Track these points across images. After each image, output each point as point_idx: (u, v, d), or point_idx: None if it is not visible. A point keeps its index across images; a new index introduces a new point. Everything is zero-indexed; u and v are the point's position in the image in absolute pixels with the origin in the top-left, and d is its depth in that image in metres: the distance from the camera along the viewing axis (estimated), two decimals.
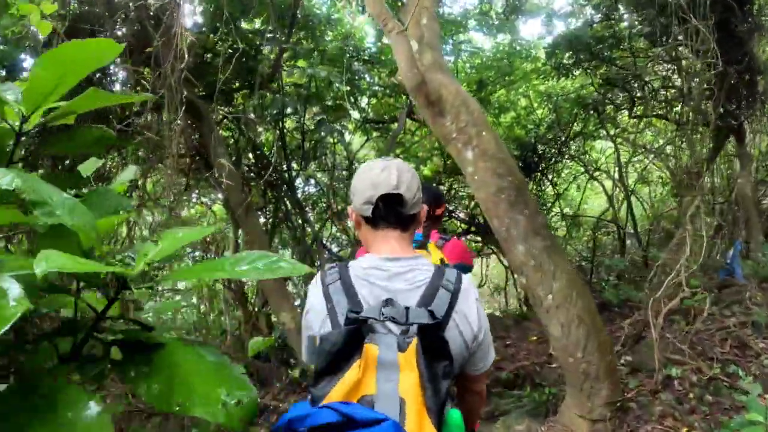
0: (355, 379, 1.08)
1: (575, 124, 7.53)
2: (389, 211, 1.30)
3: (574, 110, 7.34)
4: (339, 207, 7.37)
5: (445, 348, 1.13)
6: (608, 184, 8.47)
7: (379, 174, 1.28)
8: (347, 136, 7.25)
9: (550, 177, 8.02)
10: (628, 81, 7.04)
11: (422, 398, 1.07)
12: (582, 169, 8.57)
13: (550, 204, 8.29)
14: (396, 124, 6.62)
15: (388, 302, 1.17)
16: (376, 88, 6.82)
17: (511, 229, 2.66)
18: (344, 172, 7.39)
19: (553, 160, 7.98)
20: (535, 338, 5.05)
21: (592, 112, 7.39)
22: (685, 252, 3.96)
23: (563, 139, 7.61)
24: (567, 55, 6.79)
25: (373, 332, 1.15)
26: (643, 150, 7.90)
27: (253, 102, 5.39)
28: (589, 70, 7.01)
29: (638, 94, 6.98)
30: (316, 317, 1.26)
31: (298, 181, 8.62)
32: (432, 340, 1.12)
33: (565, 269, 2.78)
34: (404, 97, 6.94)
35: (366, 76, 5.91)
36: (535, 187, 8.40)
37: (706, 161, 6.72)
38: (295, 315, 3.84)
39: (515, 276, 7.30)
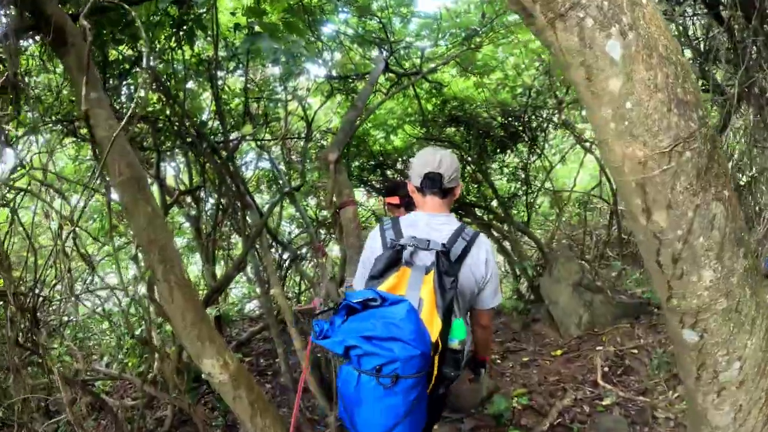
0: (393, 283, 1.61)
1: (571, 88, 6.15)
2: (432, 184, 1.78)
3: None
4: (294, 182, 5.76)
5: (453, 269, 1.64)
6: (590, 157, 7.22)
7: (428, 157, 1.81)
8: (306, 97, 5.59)
9: (538, 149, 6.64)
10: None
11: (434, 299, 1.56)
12: (569, 140, 7.28)
13: (538, 181, 6.95)
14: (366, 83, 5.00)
15: (414, 238, 1.68)
16: (344, 35, 5.17)
17: (696, 234, 1.17)
18: (300, 142, 5.78)
19: (541, 129, 6.62)
20: (560, 352, 3.69)
21: None
22: None
23: (556, 105, 6.23)
24: None
25: (411, 264, 1.65)
26: None
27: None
28: None
29: None
30: (376, 250, 1.78)
31: (251, 156, 6.91)
32: (443, 262, 1.60)
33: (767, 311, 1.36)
34: (378, 48, 5.36)
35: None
36: (519, 160, 7.06)
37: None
38: (227, 362, 2.28)
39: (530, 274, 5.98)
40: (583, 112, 7.07)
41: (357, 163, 7.12)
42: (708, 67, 5.47)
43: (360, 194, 8.47)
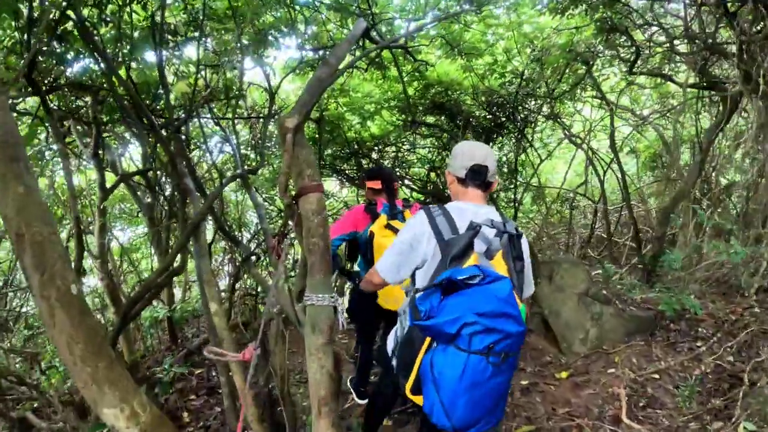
0: (473, 264, 1.48)
1: (563, 78, 5.55)
2: (477, 176, 1.73)
3: (563, 60, 5.33)
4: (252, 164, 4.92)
5: (521, 252, 1.62)
6: (582, 153, 6.66)
7: (474, 150, 1.75)
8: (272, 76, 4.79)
9: (526, 142, 6.03)
10: (637, 28, 5.16)
11: (510, 280, 1.46)
12: (555, 134, 6.71)
13: (521, 176, 6.36)
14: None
15: (492, 221, 1.61)
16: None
17: None
18: (260, 122, 4.95)
19: (529, 121, 6.01)
20: (565, 374, 3.05)
21: (583, 68, 5.48)
22: None
23: (548, 95, 5.63)
24: None
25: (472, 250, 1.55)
26: (635, 116, 6.13)
27: None
28: (589, 10, 5.02)
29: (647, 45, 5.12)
30: (423, 238, 1.65)
31: (215, 140, 6.03)
32: (515, 246, 1.59)
33: None
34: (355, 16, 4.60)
35: None
36: (504, 153, 6.45)
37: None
38: (136, 412, 1.54)
39: None
40: (579, 106, 6.49)
41: (330, 151, 6.38)
42: (710, 62, 4.99)
43: (332, 184, 7.71)
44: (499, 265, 1.52)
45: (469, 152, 1.73)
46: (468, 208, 1.69)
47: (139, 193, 5.38)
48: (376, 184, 2.67)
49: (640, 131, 6.55)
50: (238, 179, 3.16)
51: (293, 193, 1.78)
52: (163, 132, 3.56)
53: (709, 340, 3.10)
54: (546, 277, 3.50)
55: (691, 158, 6.58)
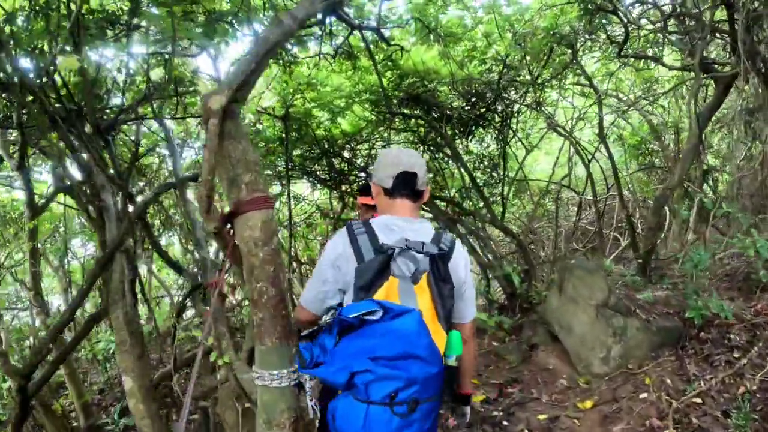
0: (384, 296, 1.27)
1: (547, 64, 5.05)
2: (405, 185, 1.49)
3: (546, 45, 4.83)
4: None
5: (449, 274, 1.39)
6: (565, 144, 6.20)
7: (401, 157, 1.53)
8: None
9: (511, 132, 5.51)
10: (627, 6, 4.68)
11: (434, 308, 1.32)
12: (538, 124, 6.22)
13: (509, 169, 5.83)
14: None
15: (407, 240, 1.34)
16: None
17: None
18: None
19: (509, 111, 5.49)
20: (590, 404, 2.51)
21: (566, 54, 5.00)
22: None
23: (532, 82, 5.12)
24: None
25: (394, 275, 1.31)
26: (621, 102, 5.68)
27: None
28: None
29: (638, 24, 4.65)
30: (344, 257, 1.38)
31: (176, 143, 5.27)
32: (440, 268, 1.36)
33: None
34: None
35: None
36: (486, 146, 5.93)
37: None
38: None
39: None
40: (563, 93, 6.01)
41: (299, 151, 5.72)
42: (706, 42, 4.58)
43: (303, 187, 7.04)
44: (422, 291, 1.32)
45: (395, 159, 1.52)
46: (395, 224, 1.45)
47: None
48: (370, 200, 2.34)
49: (625, 118, 6.11)
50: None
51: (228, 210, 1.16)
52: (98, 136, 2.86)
53: (746, 350, 2.62)
54: (554, 286, 2.95)
55: (676, 144, 6.21)
